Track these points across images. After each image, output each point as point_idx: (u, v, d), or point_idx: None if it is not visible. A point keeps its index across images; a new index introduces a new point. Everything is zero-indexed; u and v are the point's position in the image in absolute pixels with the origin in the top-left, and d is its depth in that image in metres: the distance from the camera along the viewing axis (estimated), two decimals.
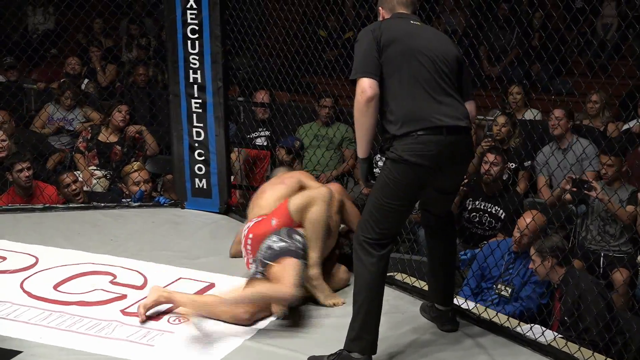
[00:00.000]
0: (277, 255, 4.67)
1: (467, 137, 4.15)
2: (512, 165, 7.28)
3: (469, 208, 6.63)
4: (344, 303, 4.84)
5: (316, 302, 4.86)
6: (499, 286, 5.67)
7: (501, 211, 6.49)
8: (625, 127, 7.56)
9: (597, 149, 6.74)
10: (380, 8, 4.34)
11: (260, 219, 5.07)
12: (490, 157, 6.52)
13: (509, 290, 5.64)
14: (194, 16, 6.42)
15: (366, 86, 3.93)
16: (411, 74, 4.02)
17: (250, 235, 5.05)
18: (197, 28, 6.43)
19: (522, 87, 8.39)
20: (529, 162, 7.31)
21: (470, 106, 4.24)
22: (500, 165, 6.52)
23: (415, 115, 3.98)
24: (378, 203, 4.07)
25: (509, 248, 5.77)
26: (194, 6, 6.40)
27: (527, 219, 5.61)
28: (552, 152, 6.82)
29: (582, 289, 4.99)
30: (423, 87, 4.02)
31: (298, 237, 4.83)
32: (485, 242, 6.32)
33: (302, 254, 4.75)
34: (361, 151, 4.10)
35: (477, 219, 6.60)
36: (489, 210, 6.55)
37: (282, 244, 4.74)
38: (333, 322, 4.67)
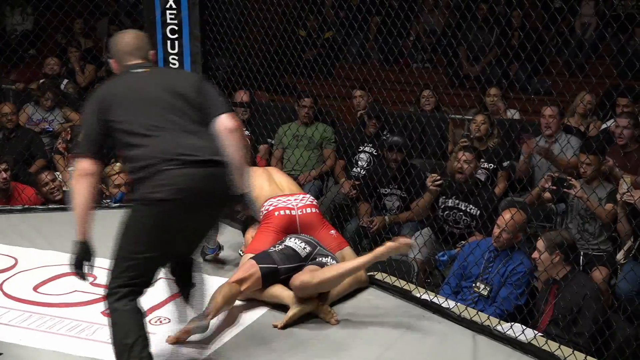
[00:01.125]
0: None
1: (220, 170, 3.85)
2: (490, 166, 7.29)
3: (442, 206, 6.65)
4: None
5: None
6: (478, 284, 5.69)
7: (475, 209, 6.50)
8: (604, 126, 7.59)
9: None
10: (112, 60, 4.13)
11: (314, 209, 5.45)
12: (463, 155, 6.53)
13: (488, 289, 5.65)
14: (173, 16, 6.42)
15: (80, 166, 3.78)
16: (147, 126, 3.79)
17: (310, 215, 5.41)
18: (176, 28, 6.44)
19: (499, 89, 8.42)
20: (508, 162, 7.33)
21: (224, 121, 3.94)
22: (473, 164, 6.54)
23: (157, 159, 3.73)
24: (124, 251, 3.77)
25: (489, 247, 5.78)
26: (173, 6, 6.40)
27: (506, 216, 5.62)
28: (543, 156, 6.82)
29: (585, 293, 4.98)
30: (161, 134, 3.79)
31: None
32: (463, 241, 6.33)
33: None
34: (78, 232, 3.82)
35: (452, 217, 6.61)
36: (463, 208, 6.56)
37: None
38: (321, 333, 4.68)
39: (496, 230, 5.69)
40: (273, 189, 5.51)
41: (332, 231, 5.44)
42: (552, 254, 5.16)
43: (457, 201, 6.57)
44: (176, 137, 3.80)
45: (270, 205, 5.35)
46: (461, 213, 6.55)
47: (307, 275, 4.74)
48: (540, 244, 5.25)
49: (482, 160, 7.26)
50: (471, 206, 6.50)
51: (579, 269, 5.28)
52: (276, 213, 5.30)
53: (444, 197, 6.62)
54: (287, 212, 5.31)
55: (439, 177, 6.54)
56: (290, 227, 5.28)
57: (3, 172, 6.78)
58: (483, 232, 6.13)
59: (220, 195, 3.89)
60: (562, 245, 5.14)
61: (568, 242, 5.20)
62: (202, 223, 3.96)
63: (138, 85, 3.94)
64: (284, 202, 5.38)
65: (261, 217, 5.37)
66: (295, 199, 5.43)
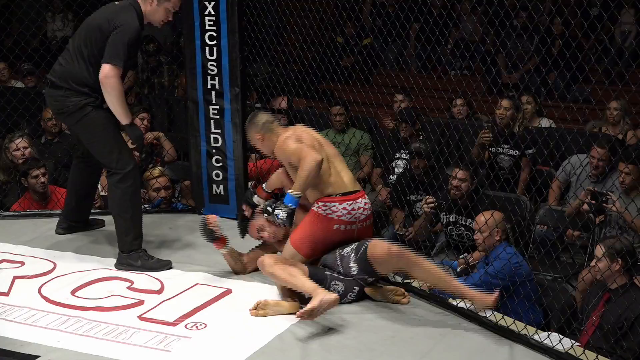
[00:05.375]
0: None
1: (52, 90, 5.43)
2: (515, 153, 7.26)
3: (444, 222, 6.63)
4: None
5: None
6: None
7: (473, 222, 6.46)
8: None
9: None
10: None
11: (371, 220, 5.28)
12: (457, 172, 6.44)
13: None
14: (212, 23, 6.43)
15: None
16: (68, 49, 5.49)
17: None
18: (215, 34, 6.45)
19: (532, 97, 8.36)
20: (532, 149, 7.25)
21: (101, 70, 5.25)
22: (468, 181, 6.44)
23: None
24: None
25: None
26: (212, 13, 6.41)
27: (480, 219, 5.63)
28: (590, 184, 6.69)
29: None
30: (64, 57, 5.48)
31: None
32: (466, 254, 6.27)
33: None
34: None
35: (455, 232, 6.58)
36: (462, 223, 6.52)
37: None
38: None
39: (477, 235, 5.72)
40: (336, 181, 5.11)
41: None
42: (613, 262, 5.05)
43: (455, 215, 6.54)
44: (63, 61, 5.46)
45: (336, 208, 5.03)
46: (462, 228, 6.52)
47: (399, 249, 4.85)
48: (599, 250, 5.15)
49: (507, 146, 7.24)
50: (469, 220, 6.44)
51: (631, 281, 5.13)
52: (335, 226, 5.04)
53: (444, 212, 6.59)
54: (349, 227, 5.06)
55: (433, 200, 6.52)
56: (346, 240, 5.09)
57: (41, 176, 6.83)
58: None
59: (53, 109, 5.71)
60: (626, 253, 5.02)
61: (629, 250, 5.09)
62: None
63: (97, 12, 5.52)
64: (348, 210, 5.05)
65: (316, 206, 5.07)
66: (359, 207, 5.09)
